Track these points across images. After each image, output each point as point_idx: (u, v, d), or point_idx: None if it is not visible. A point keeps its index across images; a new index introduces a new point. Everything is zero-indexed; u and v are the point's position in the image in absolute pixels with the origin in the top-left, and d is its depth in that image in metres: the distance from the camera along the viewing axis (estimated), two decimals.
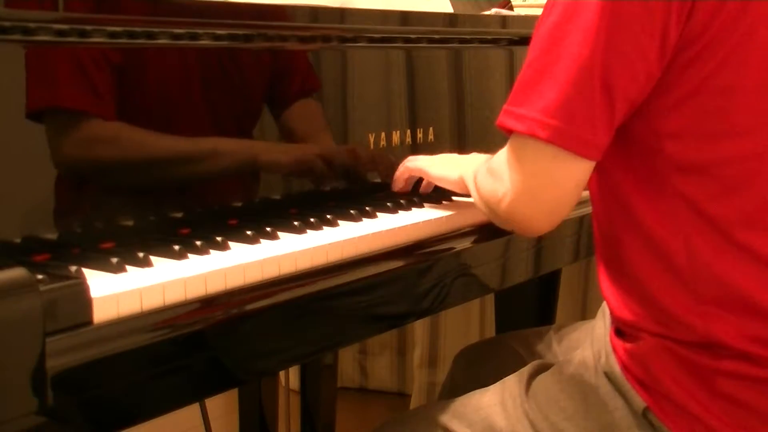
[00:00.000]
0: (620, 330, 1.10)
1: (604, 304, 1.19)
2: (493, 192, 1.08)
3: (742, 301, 1.02)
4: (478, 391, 1.22)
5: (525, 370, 1.19)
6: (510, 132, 1.04)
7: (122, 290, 0.90)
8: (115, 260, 0.96)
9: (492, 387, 1.21)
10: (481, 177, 1.14)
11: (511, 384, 1.19)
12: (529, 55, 1.02)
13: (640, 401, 1.05)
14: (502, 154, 1.07)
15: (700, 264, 1.02)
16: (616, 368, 1.08)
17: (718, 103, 0.99)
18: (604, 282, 1.12)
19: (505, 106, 1.04)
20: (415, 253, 1.23)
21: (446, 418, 1.19)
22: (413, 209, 1.33)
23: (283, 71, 1.29)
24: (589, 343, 1.16)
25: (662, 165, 1.02)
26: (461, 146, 1.51)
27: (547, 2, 1.02)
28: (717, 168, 1.00)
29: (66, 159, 1.03)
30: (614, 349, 1.09)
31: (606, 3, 0.95)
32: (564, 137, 0.98)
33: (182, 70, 1.15)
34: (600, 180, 1.09)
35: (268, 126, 1.26)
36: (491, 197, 1.09)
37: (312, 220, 1.19)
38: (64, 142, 1.03)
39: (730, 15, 0.96)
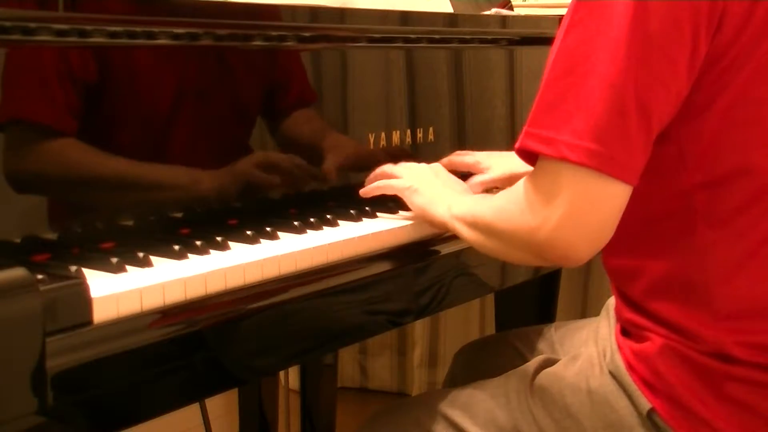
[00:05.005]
0: (626, 330, 1.10)
1: (608, 302, 1.19)
2: (524, 223, 1.00)
3: (758, 313, 1.01)
4: (481, 382, 1.22)
5: (530, 365, 1.19)
6: (532, 155, 0.99)
7: (122, 290, 0.90)
8: (115, 260, 0.96)
9: (496, 379, 1.21)
10: (493, 212, 1.07)
11: (516, 378, 1.18)
12: (550, 73, 0.97)
13: (645, 402, 1.04)
14: (525, 182, 1.01)
15: (718, 278, 1.01)
16: (622, 367, 1.07)
17: (745, 117, 0.97)
18: (613, 284, 1.12)
19: (526, 128, 0.98)
20: (415, 253, 1.23)
21: (449, 408, 1.19)
22: None
23: (280, 80, 1.28)
24: (594, 341, 1.16)
25: (684, 179, 1.00)
26: (461, 146, 1.50)
27: (564, 17, 0.97)
28: (741, 180, 0.99)
29: (66, 159, 1.03)
30: (620, 348, 1.08)
31: (634, 17, 0.91)
32: (602, 160, 0.93)
33: (178, 70, 1.15)
34: None
35: (266, 134, 1.26)
36: (520, 228, 1.00)
37: (312, 220, 1.19)
38: (63, 141, 1.03)
39: (759, 23, 0.94)
